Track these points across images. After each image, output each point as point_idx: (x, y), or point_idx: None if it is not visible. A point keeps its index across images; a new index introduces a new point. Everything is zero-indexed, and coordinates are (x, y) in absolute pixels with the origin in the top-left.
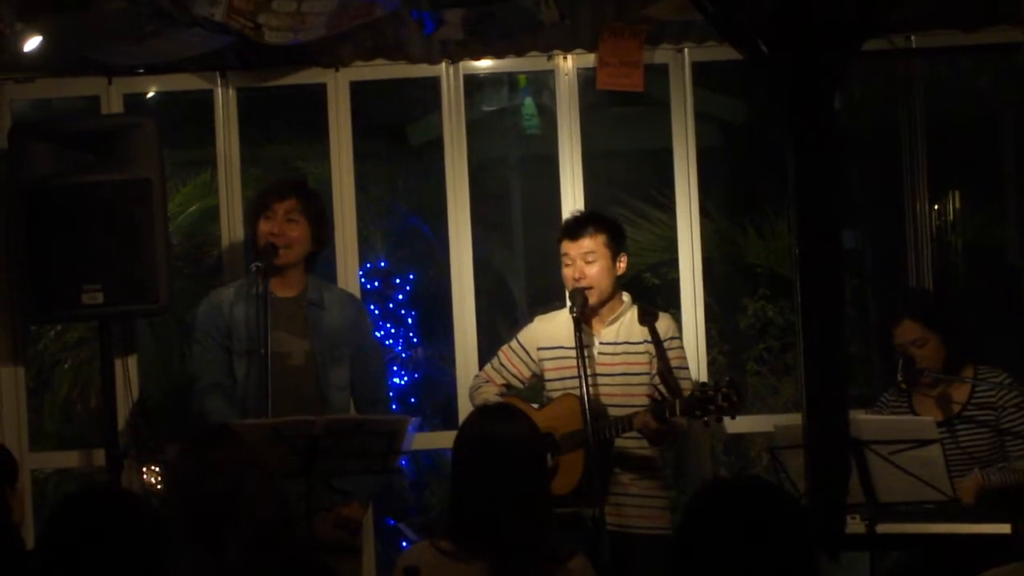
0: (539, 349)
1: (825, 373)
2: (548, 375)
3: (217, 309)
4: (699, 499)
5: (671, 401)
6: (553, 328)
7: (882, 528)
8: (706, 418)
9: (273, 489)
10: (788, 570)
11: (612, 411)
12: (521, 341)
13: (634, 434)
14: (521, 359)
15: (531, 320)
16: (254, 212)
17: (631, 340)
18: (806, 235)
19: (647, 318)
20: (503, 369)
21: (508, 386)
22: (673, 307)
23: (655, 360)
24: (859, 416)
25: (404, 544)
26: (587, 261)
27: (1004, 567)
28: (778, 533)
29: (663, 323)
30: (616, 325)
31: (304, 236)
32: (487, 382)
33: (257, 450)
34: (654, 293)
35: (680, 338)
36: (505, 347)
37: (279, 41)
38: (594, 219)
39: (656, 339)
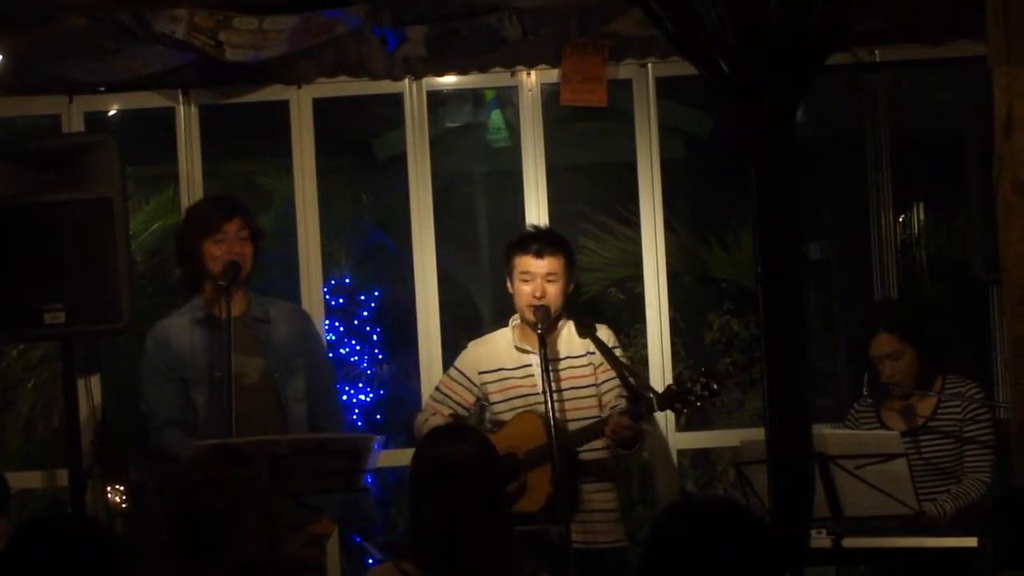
0: (480, 373)
1: (788, 387)
2: (493, 398)
3: (164, 344)
4: (665, 519)
5: (646, 398)
6: (491, 351)
7: (848, 542)
8: (685, 409)
9: (268, 517)
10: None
11: (564, 425)
12: (460, 368)
13: (594, 447)
14: (463, 386)
15: (468, 347)
16: (198, 234)
17: (572, 354)
18: (769, 248)
19: (586, 330)
20: (447, 400)
21: (454, 415)
22: (639, 322)
23: (599, 370)
24: (825, 430)
25: (370, 562)
26: (548, 281)
27: None
28: (742, 554)
29: (603, 332)
30: (563, 338)
31: (251, 254)
32: (433, 414)
33: (260, 475)
34: (620, 308)
35: (619, 345)
36: (444, 377)
37: (240, 58)
38: (557, 240)
39: (603, 348)
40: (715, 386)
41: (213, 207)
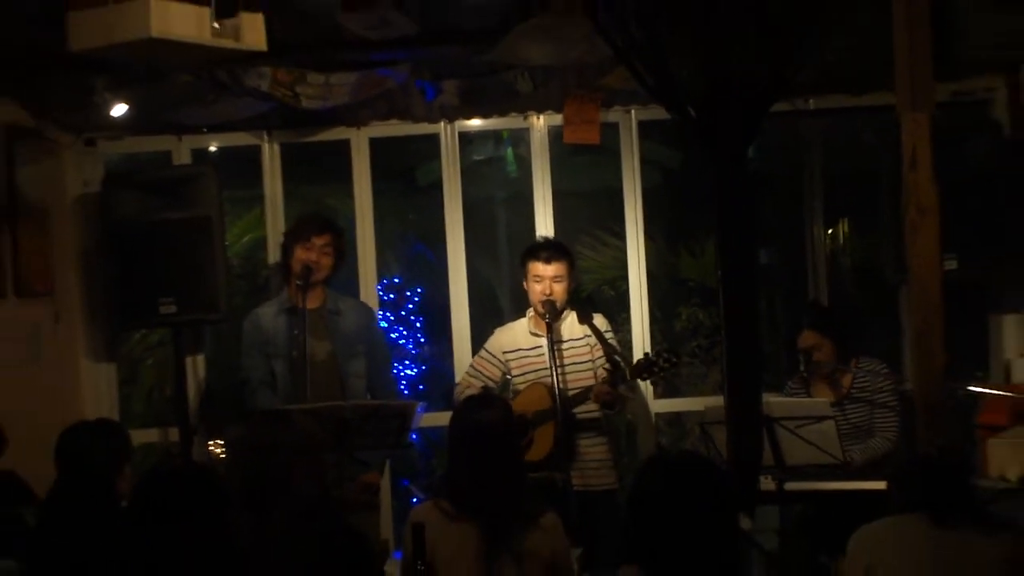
0: (504, 353)
1: (743, 364)
2: (514, 372)
3: (256, 326)
4: (646, 469)
5: (623, 369)
6: (512, 336)
7: (789, 486)
8: (652, 379)
9: (315, 469)
10: (715, 523)
11: (566, 392)
12: (489, 349)
13: (590, 408)
14: (492, 364)
15: (495, 334)
16: (293, 239)
17: (574, 337)
18: (727, 256)
19: (585, 319)
20: (479, 375)
21: (485, 387)
22: (624, 312)
23: (594, 349)
24: (770, 399)
25: (414, 500)
26: (555, 282)
27: (879, 521)
28: (708, 497)
29: (599, 320)
30: (566, 325)
31: (331, 264)
32: (468, 387)
33: (308, 434)
34: (610, 302)
35: (611, 330)
36: (476, 358)
37: (312, 106)
38: (562, 249)
39: (596, 332)
40: (675, 359)
41: (311, 221)
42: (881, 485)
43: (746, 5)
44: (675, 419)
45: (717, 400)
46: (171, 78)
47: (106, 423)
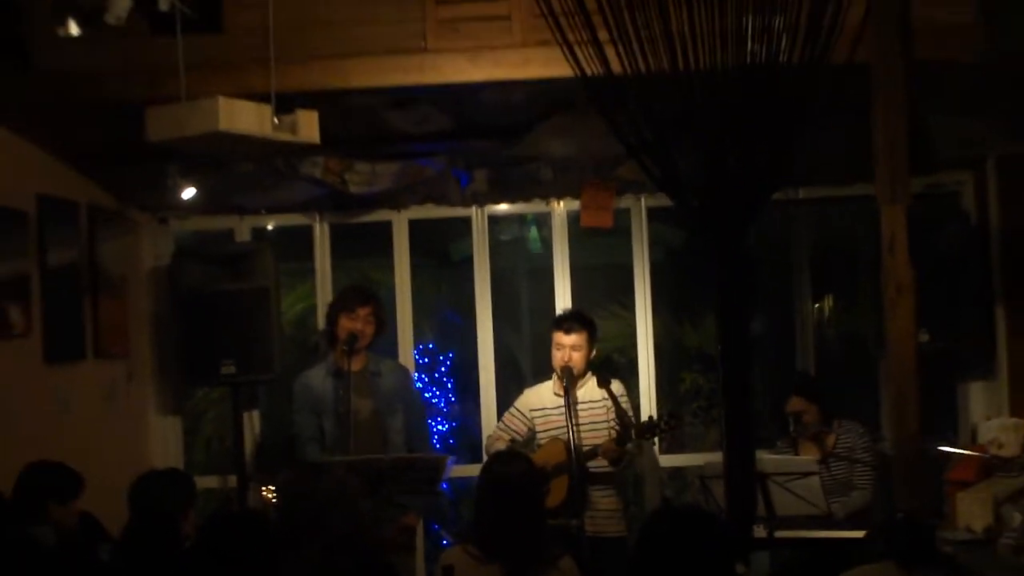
0: (531, 411)
1: (738, 424)
2: (538, 428)
3: (306, 387)
4: (652, 520)
5: (631, 430)
6: (539, 396)
7: (779, 534)
8: (656, 438)
9: (349, 509)
10: (714, 569)
11: (582, 448)
12: (519, 407)
13: (602, 463)
14: (520, 420)
15: (522, 394)
16: (339, 309)
17: (593, 399)
18: (725, 328)
19: (604, 383)
20: (508, 429)
21: (512, 441)
22: (633, 376)
23: (610, 411)
24: (763, 456)
25: (444, 543)
26: (574, 350)
27: (857, 568)
28: (708, 545)
29: (615, 386)
30: (582, 390)
31: (373, 331)
32: (497, 440)
33: (342, 480)
34: (620, 367)
35: (626, 395)
36: (507, 414)
37: (359, 192)
38: (582, 320)
39: (612, 396)
40: (675, 422)
41: (355, 293)
42: (860, 534)
43: (745, 110)
44: (677, 473)
45: (716, 456)
46: (234, 166)
47: (174, 472)
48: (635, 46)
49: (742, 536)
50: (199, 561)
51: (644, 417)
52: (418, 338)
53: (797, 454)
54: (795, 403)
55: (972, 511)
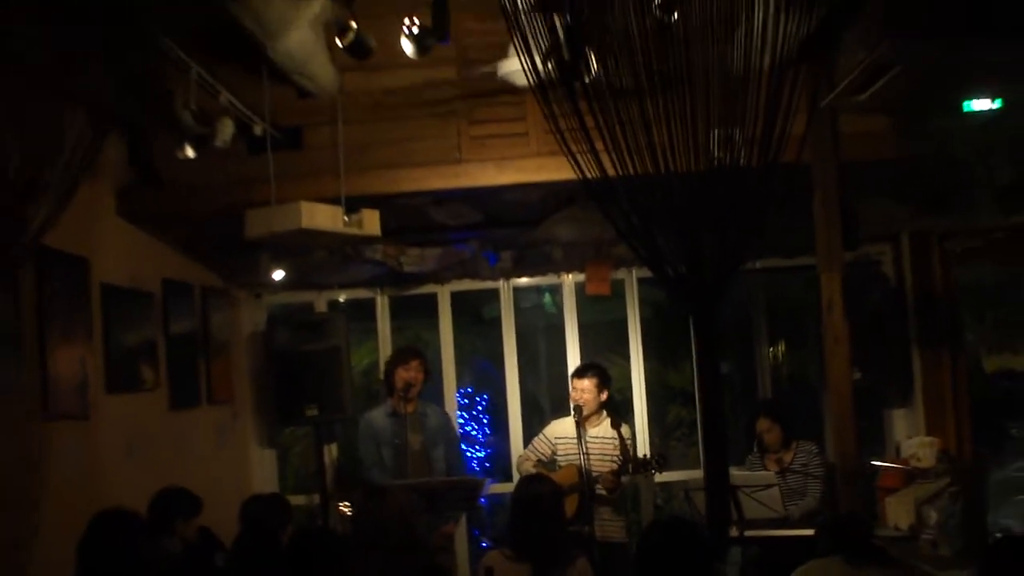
0: (556, 438)
1: (715, 447)
2: (559, 453)
3: (369, 425)
4: (650, 528)
5: (629, 465)
6: (563, 427)
7: (748, 533)
8: (648, 472)
9: (407, 522)
10: (697, 566)
11: (591, 473)
12: (546, 434)
13: (600, 488)
14: (546, 444)
15: (549, 423)
16: (395, 364)
17: (605, 436)
18: (702, 371)
19: (616, 426)
20: (535, 451)
21: (539, 462)
22: (629, 413)
23: (618, 447)
24: (734, 472)
25: (483, 545)
26: (585, 392)
27: (810, 562)
28: (693, 547)
29: (625, 429)
30: (598, 427)
31: (422, 380)
32: (527, 460)
33: (401, 499)
34: (618, 405)
35: (633, 436)
36: (536, 439)
37: (411, 271)
38: (592, 368)
39: (620, 437)
40: (661, 461)
41: (407, 351)
42: (810, 532)
43: (714, 204)
44: (666, 486)
45: (697, 473)
46: (313, 253)
47: (275, 495)
48: (625, 154)
49: (719, 537)
50: (292, 565)
51: (641, 447)
52: (459, 383)
53: (763, 466)
54: (762, 423)
55: (898, 512)
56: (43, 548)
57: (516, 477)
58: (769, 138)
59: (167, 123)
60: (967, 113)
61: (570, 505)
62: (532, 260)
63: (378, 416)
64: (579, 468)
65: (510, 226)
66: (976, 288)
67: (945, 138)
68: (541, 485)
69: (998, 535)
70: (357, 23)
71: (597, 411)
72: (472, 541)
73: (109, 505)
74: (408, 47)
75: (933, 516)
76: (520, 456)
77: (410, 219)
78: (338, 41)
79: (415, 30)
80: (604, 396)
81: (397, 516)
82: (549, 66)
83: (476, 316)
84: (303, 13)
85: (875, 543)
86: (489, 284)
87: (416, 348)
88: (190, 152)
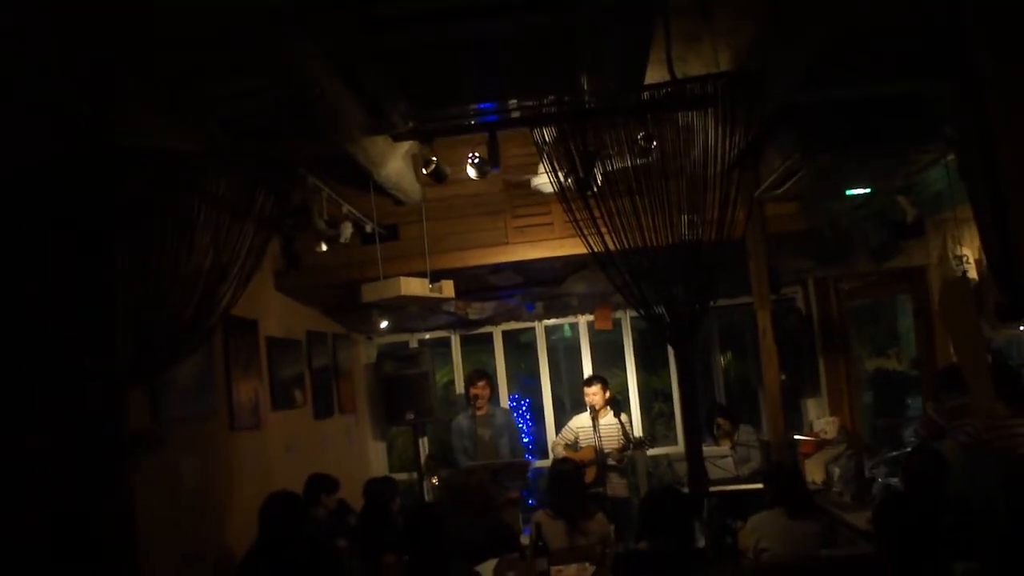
0: (577, 428)
1: (691, 429)
2: (580, 438)
3: (458, 424)
4: (649, 495)
5: (630, 443)
6: (579, 420)
7: (712, 489)
8: (642, 448)
9: (482, 492)
10: (682, 517)
11: (602, 451)
12: (569, 426)
13: (610, 460)
14: (570, 433)
15: (571, 418)
16: (469, 383)
17: (610, 423)
18: (682, 379)
19: (617, 415)
20: (563, 439)
21: (566, 445)
22: (626, 406)
23: (619, 431)
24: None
25: (531, 503)
26: (595, 396)
27: (760, 513)
28: (680, 506)
29: (623, 417)
30: (606, 418)
31: (488, 393)
32: (558, 444)
33: (480, 477)
34: (622, 404)
35: (630, 422)
36: (564, 429)
37: (475, 318)
38: (596, 378)
39: (621, 423)
40: (652, 439)
41: (475, 374)
42: (758, 486)
43: (684, 266)
44: (654, 458)
45: (674, 448)
46: (408, 309)
47: (386, 477)
48: (621, 234)
49: (697, 494)
50: (407, 532)
51: (637, 431)
52: (509, 391)
53: (719, 445)
54: (720, 420)
55: (813, 470)
56: (233, 519)
57: (551, 456)
58: (722, 222)
59: (306, 226)
60: (848, 197)
61: (590, 474)
62: (557, 306)
63: (462, 419)
64: (595, 448)
65: (542, 285)
66: (859, 314)
67: (834, 214)
68: (567, 464)
69: (878, 480)
70: (436, 156)
71: (604, 407)
72: (523, 503)
73: (276, 487)
74: (472, 172)
75: (836, 472)
76: (553, 442)
77: (474, 283)
78: (423, 170)
79: (477, 160)
80: (607, 395)
81: (477, 487)
82: (569, 180)
83: (519, 345)
84: (397, 150)
85: (809, 496)
86: (528, 324)
87: (482, 371)
88: (324, 247)
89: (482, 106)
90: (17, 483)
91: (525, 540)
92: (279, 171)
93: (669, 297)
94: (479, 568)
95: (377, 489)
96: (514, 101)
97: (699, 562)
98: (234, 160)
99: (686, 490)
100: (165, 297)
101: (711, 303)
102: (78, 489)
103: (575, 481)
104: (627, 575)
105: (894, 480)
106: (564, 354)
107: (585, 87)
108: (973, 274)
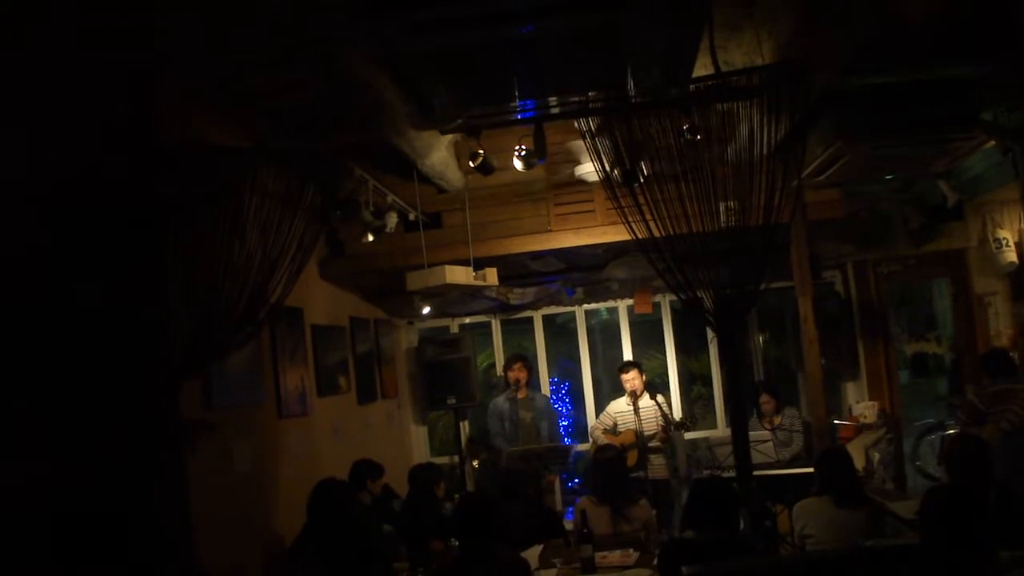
0: (615, 413)
1: (738, 411)
2: (618, 423)
3: (495, 407)
4: (696, 484)
5: (671, 424)
6: (618, 405)
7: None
8: (682, 430)
9: (537, 481)
10: (728, 508)
11: (642, 434)
12: (608, 411)
13: (655, 442)
14: (608, 418)
15: (608, 404)
16: (508, 366)
17: (647, 406)
18: (727, 363)
19: (653, 396)
20: (602, 424)
21: (605, 430)
22: (666, 390)
23: (658, 412)
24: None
25: (570, 485)
26: (632, 381)
27: (806, 499)
28: (725, 497)
29: (660, 398)
30: (643, 400)
31: (527, 376)
32: (597, 428)
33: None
34: (659, 386)
35: (668, 402)
36: (602, 414)
37: (516, 303)
38: (631, 364)
39: (658, 404)
40: (692, 422)
41: (513, 357)
42: (798, 471)
43: (733, 254)
44: (693, 442)
45: (713, 431)
46: (450, 295)
47: (429, 464)
48: (665, 220)
49: (744, 481)
50: (456, 514)
51: (676, 414)
52: (550, 375)
53: (763, 428)
54: (764, 398)
55: (852, 455)
56: (281, 504)
57: (591, 440)
58: (769, 207)
59: (353, 217)
60: (888, 181)
61: (631, 458)
62: (597, 291)
63: (501, 400)
64: (635, 432)
65: (582, 270)
66: (898, 297)
67: (874, 199)
68: (610, 451)
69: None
70: (482, 148)
71: (643, 391)
72: (563, 485)
73: (323, 473)
74: (519, 165)
75: (876, 456)
76: (592, 426)
77: (516, 269)
78: (471, 163)
79: (523, 153)
80: (644, 379)
81: (531, 475)
82: (615, 172)
83: (560, 330)
84: (441, 141)
85: (858, 486)
86: (568, 309)
87: (520, 355)
88: (371, 237)
89: (528, 103)
90: (76, 471)
91: (567, 524)
92: (327, 164)
93: (715, 282)
94: (525, 554)
95: (422, 475)
96: (559, 97)
97: (746, 553)
98: (282, 154)
99: (727, 475)
100: (218, 291)
101: (761, 287)
102: (135, 476)
103: (619, 468)
104: (673, 563)
105: (931, 467)
106: (601, 336)
107: (631, 83)
108: (1012, 257)
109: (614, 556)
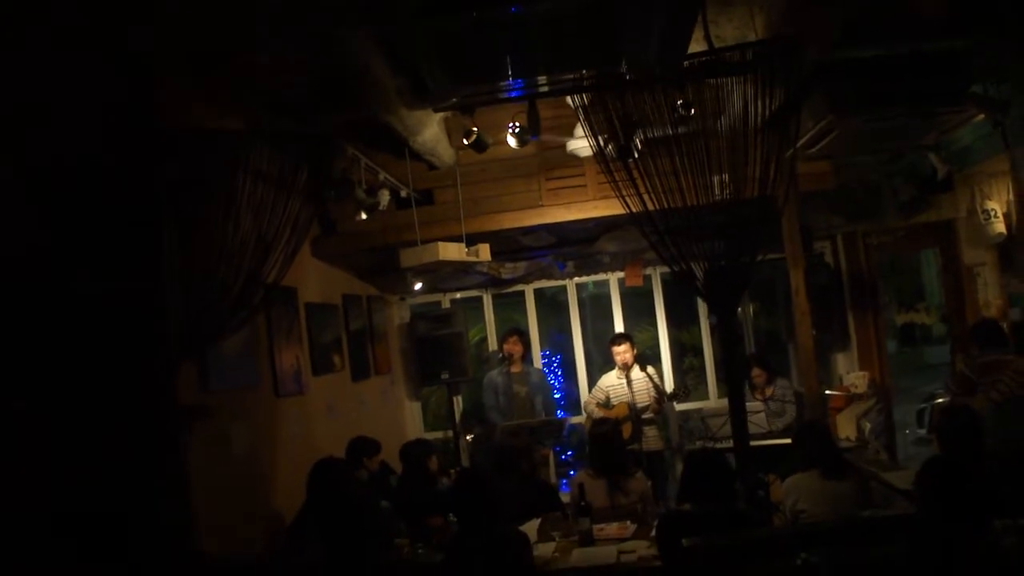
0: (606, 387)
1: (734, 382)
2: (611, 396)
3: (491, 380)
4: (690, 456)
5: (664, 396)
6: (609, 379)
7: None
8: (674, 401)
9: (531, 455)
10: (723, 480)
11: (635, 406)
12: (599, 385)
13: (648, 414)
14: (601, 392)
15: (600, 377)
16: (503, 340)
17: (639, 378)
18: (725, 335)
19: (644, 369)
20: (595, 397)
21: (599, 404)
22: (658, 362)
23: (649, 383)
24: None
25: (563, 457)
26: (624, 353)
27: (797, 474)
28: (720, 468)
29: (650, 369)
30: (633, 372)
31: (521, 350)
32: (590, 403)
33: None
34: (649, 358)
35: (659, 374)
36: (594, 388)
37: (507, 277)
38: (623, 336)
39: (650, 376)
40: (686, 392)
41: (509, 331)
42: (787, 441)
43: (726, 226)
44: (685, 413)
45: (705, 402)
46: (442, 271)
47: (419, 439)
48: (659, 194)
49: (742, 451)
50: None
51: (668, 387)
52: (542, 348)
53: (753, 398)
54: (755, 370)
55: (844, 425)
56: (280, 483)
57: (584, 413)
58: (764, 179)
59: (346, 196)
60: (877, 153)
61: (626, 430)
62: (588, 265)
63: (496, 374)
64: (628, 404)
65: (574, 244)
66: (888, 268)
67: (864, 171)
68: (606, 425)
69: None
70: (476, 126)
71: (633, 363)
72: (556, 457)
73: (319, 451)
74: (512, 142)
75: (867, 426)
76: (585, 401)
77: (507, 244)
78: (464, 140)
79: (517, 129)
80: (635, 351)
81: (523, 450)
82: (610, 147)
83: (551, 304)
84: (433, 118)
85: (842, 457)
86: (560, 282)
87: (517, 328)
88: (364, 215)
89: (520, 81)
90: (74, 455)
91: (562, 497)
92: (320, 144)
93: (709, 254)
94: (523, 528)
95: (413, 451)
96: (554, 75)
97: (742, 524)
98: (276, 136)
99: (721, 446)
100: (213, 272)
101: (757, 259)
102: (134, 463)
103: (615, 441)
104: (672, 536)
105: (922, 431)
106: (593, 309)
107: (625, 60)
108: (1001, 228)
109: (611, 528)
